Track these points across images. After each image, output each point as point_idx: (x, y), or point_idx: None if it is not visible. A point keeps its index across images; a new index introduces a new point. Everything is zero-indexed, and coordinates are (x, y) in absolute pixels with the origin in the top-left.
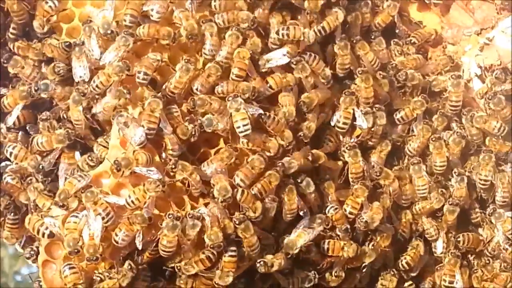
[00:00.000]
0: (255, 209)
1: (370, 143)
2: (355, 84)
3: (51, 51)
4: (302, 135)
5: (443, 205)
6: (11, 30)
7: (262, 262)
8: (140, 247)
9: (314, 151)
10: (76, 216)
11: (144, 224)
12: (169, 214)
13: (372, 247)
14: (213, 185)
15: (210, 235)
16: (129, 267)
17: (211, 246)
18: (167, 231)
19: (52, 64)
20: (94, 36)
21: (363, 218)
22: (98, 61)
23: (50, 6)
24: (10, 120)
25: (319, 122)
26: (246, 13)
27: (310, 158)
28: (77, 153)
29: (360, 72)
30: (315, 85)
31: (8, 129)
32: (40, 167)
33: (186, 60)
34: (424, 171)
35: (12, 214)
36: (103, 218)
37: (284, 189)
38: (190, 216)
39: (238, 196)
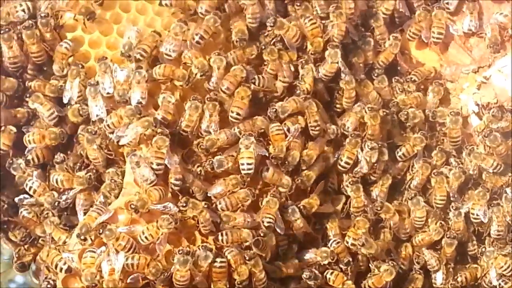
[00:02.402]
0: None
1: (371, 178)
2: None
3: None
4: (300, 181)
5: (442, 237)
6: (28, 70)
7: None
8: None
9: (304, 201)
10: (93, 251)
11: (153, 278)
12: (179, 250)
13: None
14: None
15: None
16: None
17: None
18: (179, 266)
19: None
20: (109, 72)
21: (363, 241)
22: (109, 98)
23: (66, 48)
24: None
25: (320, 171)
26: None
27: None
28: None
29: (369, 109)
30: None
31: (27, 164)
32: (56, 204)
33: (193, 98)
34: (422, 202)
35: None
36: (128, 250)
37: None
38: (203, 247)
39: (256, 249)
